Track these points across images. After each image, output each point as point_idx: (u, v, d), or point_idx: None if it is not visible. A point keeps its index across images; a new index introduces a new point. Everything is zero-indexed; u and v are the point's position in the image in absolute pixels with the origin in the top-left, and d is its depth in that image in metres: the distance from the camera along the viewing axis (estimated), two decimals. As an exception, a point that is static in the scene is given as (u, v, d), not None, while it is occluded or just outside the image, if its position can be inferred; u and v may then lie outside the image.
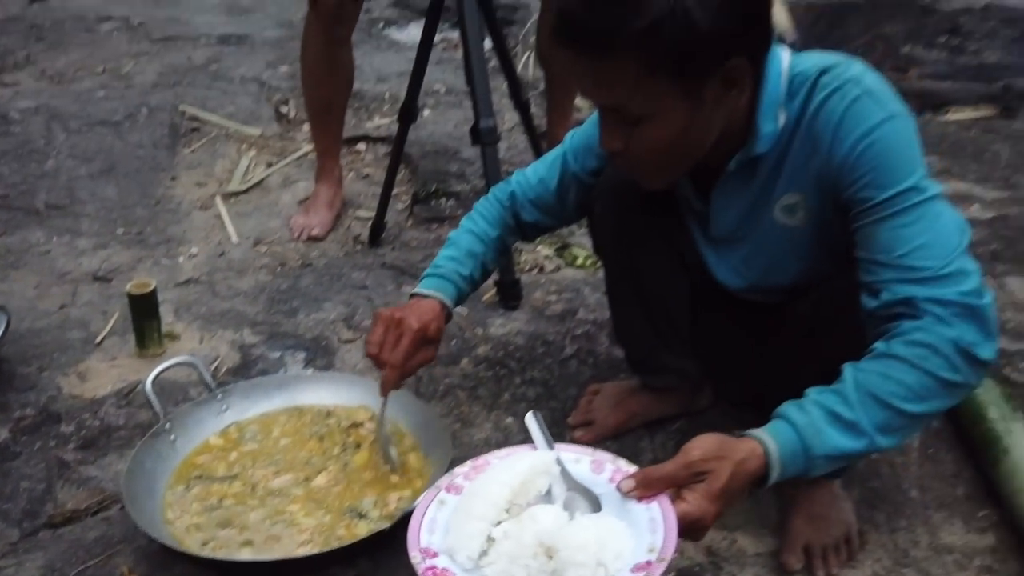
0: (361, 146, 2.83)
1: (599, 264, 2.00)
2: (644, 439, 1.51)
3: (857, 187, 1.06)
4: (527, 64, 3.57)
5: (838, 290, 1.15)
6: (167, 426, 1.35)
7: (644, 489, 0.99)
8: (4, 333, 1.58)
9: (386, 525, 1.17)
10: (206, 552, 1.19)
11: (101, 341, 1.75)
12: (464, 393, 1.60)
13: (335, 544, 1.18)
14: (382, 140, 2.83)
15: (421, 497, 1.11)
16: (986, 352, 1.00)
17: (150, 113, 2.80)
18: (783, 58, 1.11)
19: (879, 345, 1.02)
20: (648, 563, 0.92)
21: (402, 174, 2.56)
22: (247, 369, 1.66)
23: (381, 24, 4.27)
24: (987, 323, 1.01)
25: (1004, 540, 1.36)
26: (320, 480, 1.31)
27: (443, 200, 2.39)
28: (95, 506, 1.32)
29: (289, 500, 1.28)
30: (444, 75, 3.36)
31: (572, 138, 1.38)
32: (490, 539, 1.01)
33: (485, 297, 1.90)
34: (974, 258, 1.05)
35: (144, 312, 1.69)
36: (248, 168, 2.63)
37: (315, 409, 1.46)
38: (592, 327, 1.77)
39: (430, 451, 1.35)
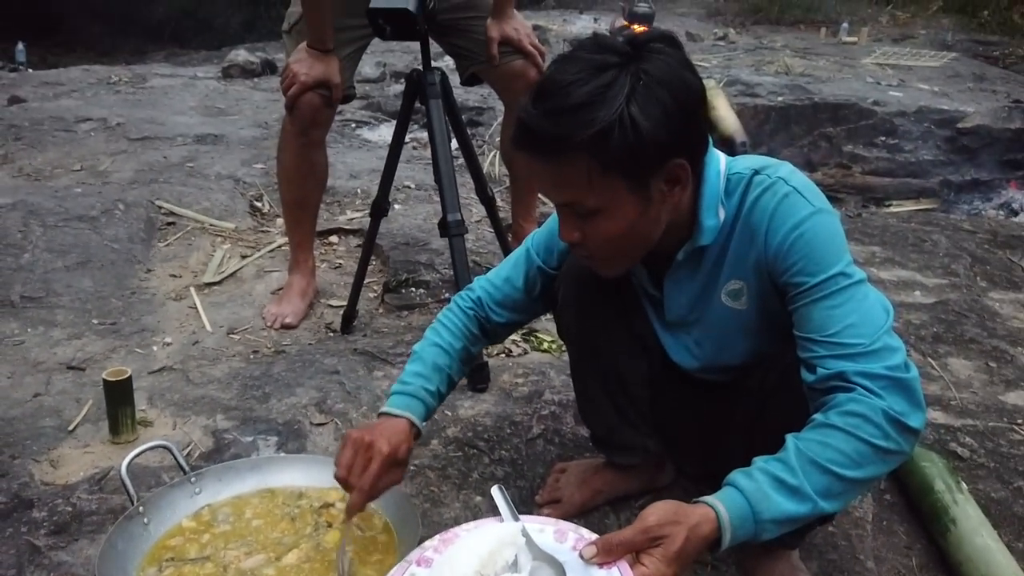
0: (334, 238, 2.92)
1: (563, 348, 2.08)
2: (609, 516, 1.55)
3: (791, 273, 1.16)
4: (493, 162, 3.74)
5: (782, 366, 1.23)
6: (140, 509, 1.36)
7: (605, 555, 1.04)
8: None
9: (358, 600, 1.19)
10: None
11: (74, 428, 1.76)
12: (434, 473, 1.63)
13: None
14: (354, 232, 2.92)
15: (392, 571, 1.14)
16: (915, 421, 1.08)
17: (126, 208, 2.87)
18: (720, 160, 1.23)
19: (818, 416, 1.10)
20: (611, 623, 0.96)
21: (373, 265, 2.64)
22: (220, 453, 1.67)
23: (354, 125, 4.46)
24: (914, 394, 1.09)
25: (956, 608, 1.42)
26: (291, 558, 1.32)
27: (413, 289, 2.47)
28: (65, 591, 1.32)
29: (261, 579, 1.29)
30: (414, 172, 3.50)
31: (533, 238, 1.47)
32: (461, 608, 1.05)
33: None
34: (899, 336, 1.15)
35: (119, 399, 1.71)
36: (222, 260, 2.69)
37: (287, 491, 1.48)
38: (558, 408, 1.83)
39: (400, 530, 1.37)
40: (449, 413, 1.80)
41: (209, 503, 1.44)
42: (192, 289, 2.49)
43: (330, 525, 1.40)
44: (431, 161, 2.04)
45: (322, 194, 2.39)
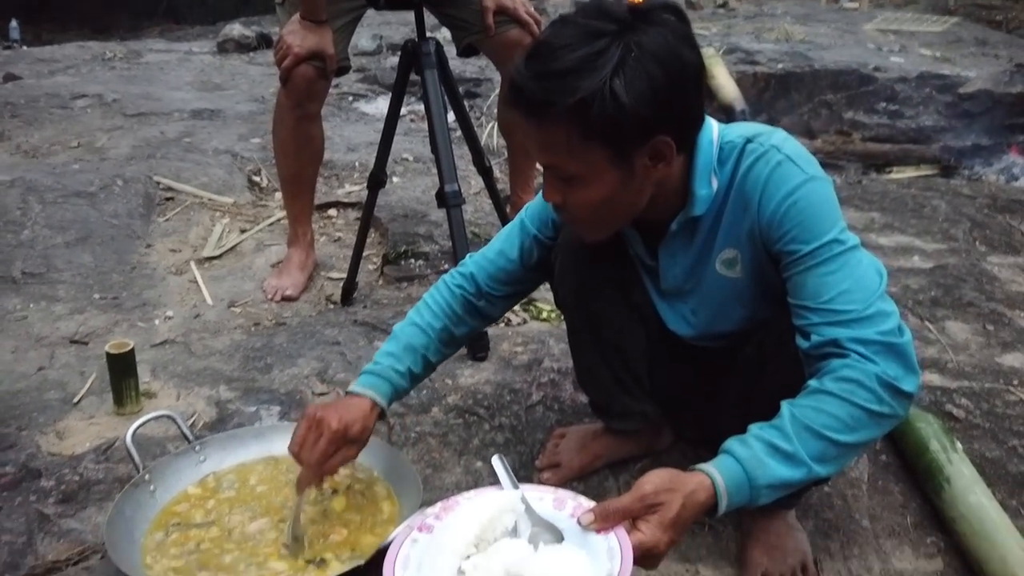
0: (332, 212, 2.92)
1: (562, 317, 2.09)
2: (608, 479, 1.57)
3: (784, 241, 1.17)
4: (491, 133, 3.72)
5: (778, 332, 1.24)
6: (146, 477, 1.38)
7: (602, 522, 1.06)
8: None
9: (361, 562, 1.22)
10: (183, 595, 1.21)
11: (79, 401, 1.78)
12: (435, 440, 1.65)
13: (311, 583, 1.22)
14: (352, 206, 2.93)
15: (394, 534, 1.16)
16: (908, 385, 1.09)
17: (125, 184, 2.87)
18: (713, 128, 1.23)
19: (812, 382, 1.11)
20: (607, 588, 0.99)
21: (372, 237, 2.65)
22: (223, 424, 1.69)
23: (350, 98, 4.43)
24: (907, 358, 1.10)
25: (951, 564, 1.43)
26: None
27: (412, 260, 2.48)
28: (76, 557, 1.34)
29: (265, 543, 1.31)
30: (412, 145, 3.50)
31: (528, 209, 1.46)
32: (460, 572, 1.07)
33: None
34: (895, 300, 1.15)
35: (122, 371, 1.73)
36: (222, 234, 2.70)
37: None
38: (557, 375, 1.84)
39: (402, 495, 1.39)
40: (449, 382, 1.82)
41: (214, 471, 1.46)
42: (192, 263, 2.51)
43: (335, 491, 1.42)
44: (428, 133, 2.04)
45: (319, 167, 2.39)
